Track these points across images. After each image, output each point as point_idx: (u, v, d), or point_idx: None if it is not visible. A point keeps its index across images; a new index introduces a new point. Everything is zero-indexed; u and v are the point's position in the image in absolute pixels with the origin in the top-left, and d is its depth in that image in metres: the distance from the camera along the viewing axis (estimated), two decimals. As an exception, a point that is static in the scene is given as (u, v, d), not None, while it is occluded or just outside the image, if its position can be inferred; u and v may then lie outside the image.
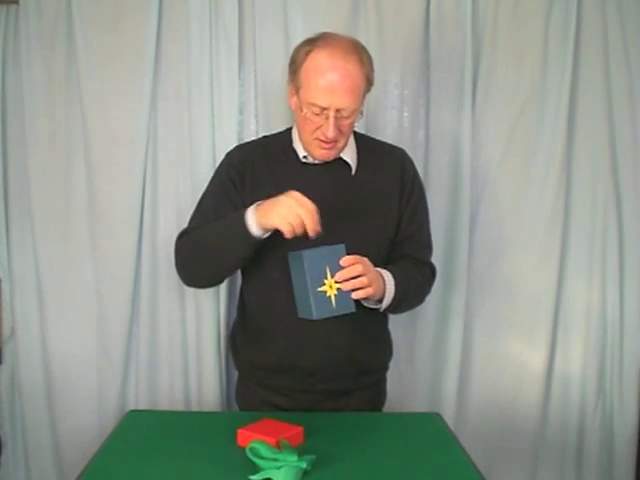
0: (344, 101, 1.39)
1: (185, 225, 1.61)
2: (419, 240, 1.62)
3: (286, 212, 1.30)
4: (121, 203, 1.99)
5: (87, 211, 2.03)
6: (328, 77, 1.39)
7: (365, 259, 1.37)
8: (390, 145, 1.68)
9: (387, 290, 1.43)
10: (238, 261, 1.48)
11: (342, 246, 1.34)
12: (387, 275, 1.45)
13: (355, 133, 1.60)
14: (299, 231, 1.31)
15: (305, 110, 1.43)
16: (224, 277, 1.59)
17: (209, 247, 1.44)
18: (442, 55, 1.97)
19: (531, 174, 2.04)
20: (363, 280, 1.34)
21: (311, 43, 1.44)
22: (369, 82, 1.46)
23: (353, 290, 1.33)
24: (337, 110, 1.40)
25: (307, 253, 1.30)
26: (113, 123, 1.98)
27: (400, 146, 1.69)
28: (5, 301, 2.09)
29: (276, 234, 1.38)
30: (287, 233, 1.31)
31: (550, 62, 2.00)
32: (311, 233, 1.31)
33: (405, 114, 2.03)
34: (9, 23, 1.99)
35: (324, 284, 1.30)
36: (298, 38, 1.96)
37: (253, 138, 1.92)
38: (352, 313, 1.35)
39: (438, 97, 2.00)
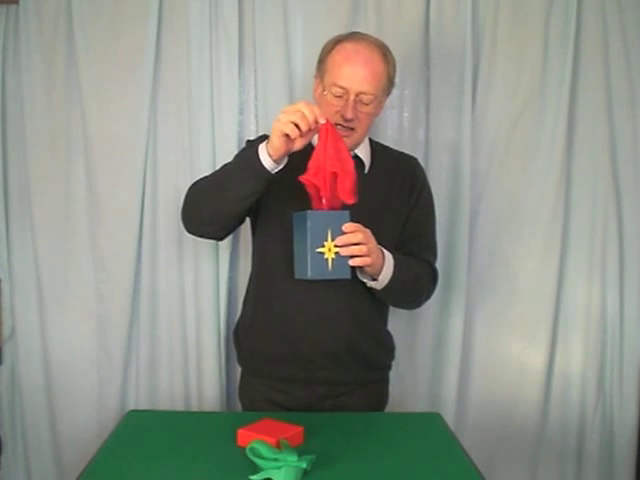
0: (364, 85, 1.46)
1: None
2: (423, 242, 1.64)
3: (284, 116, 1.31)
4: (121, 203, 2.00)
5: (87, 211, 2.03)
6: (352, 61, 1.46)
7: (367, 230, 1.39)
8: (404, 153, 1.72)
9: (385, 266, 1.45)
10: (243, 197, 1.40)
11: (347, 212, 1.36)
12: (388, 254, 1.47)
13: (370, 140, 1.64)
14: (304, 125, 1.30)
15: (327, 92, 1.48)
16: (225, 221, 1.48)
17: (217, 179, 1.45)
18: (442, 55, 1.98)
19: (531, 174, 2.04)
20: (362, 248, 1.36)
21: (341, 36, 1.53)
22: (390, 81, 1.53)
23: (351, 257, 1.35)
24: (357, 94, 1.46)
25: (311, 213, 1.33)
26: (113, 123, 1.98)
27: (406, 150, 1.73)
28: (5, 301, 2.09)
29: (283, 222, 1.41)
30: (292, 133, 1.29)
31: (550, 62, 2.00)
32: (312, 127, 1.31)
33: (405, 114, 2.03)
34: (9, 23, 2.00)
35: (323, 246, 1.32)
36: (298, 38, 1.99)
37: (253, 137, 1.93)
38: (350, 307, 1.37)
39: (438, 97, 2.00)
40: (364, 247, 1.36)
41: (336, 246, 1.33)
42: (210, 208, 1.45)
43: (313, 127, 1.32)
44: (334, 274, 1.34)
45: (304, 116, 1.30)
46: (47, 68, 1.99)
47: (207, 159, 1.97)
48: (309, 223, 1.31)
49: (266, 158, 1.34)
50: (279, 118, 1.32)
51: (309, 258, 1.31)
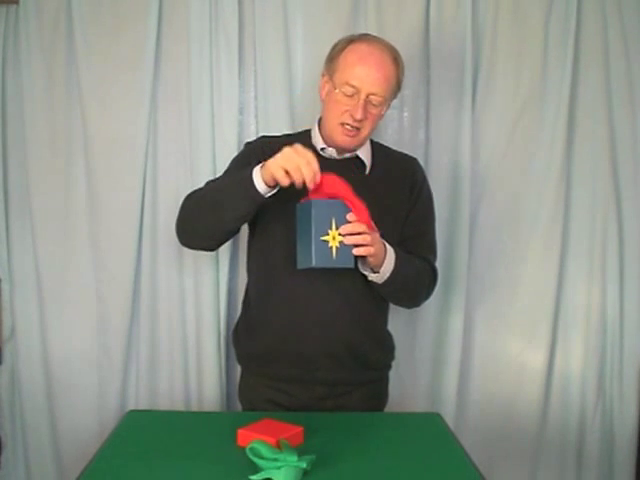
0: (375, 86, 1.46)
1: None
2: (423, 242, 1.65)
3: (283, 161, 1.31)
4: (121, 203, 2.00)
5: (87, 211, 2.03)
6: (365, 61, 1.47)
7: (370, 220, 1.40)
8: (404, 154, 1.72)
9: (387, 259, 1.45)
10: (237, 218, 1.44)
11: None
12: (389, 247, 1.47)
13: (371, 141, 1.64)
14: (297, 179, 1.30)
15: (337, 90, 1.48)
16: (219, 237, 1.52)
17: (212, 198, 1.45)
18: (442, 55, 1.98)
19: (531, 174, 2.04)
20: (366, 237, 1.36)
21: (353, 37, 1.54)
22: (398, 85, 1.54)
23: (355, 246, 1.36)
24: (367, 95, 1.46)
25: (316, 202, 1.33)
26: (113, 123, 1.98)
27: (408, 153, 1.73)
28: (5, 301, 2.09)
29: (286, 223, 1.42)
30: (282, 181, 1.31)
31: (550, 62, 2.00)
32: (309, 183, 1.31)
33: (405, 114, 2.03)
34: (9, 23, 2.00)
35: (328, 234, 1.33)
36: (298, 38, 1.99)
37: (253, 138, 1.93)
38: (350, 306, 1.39)
39: (438, 97, 2.00)
40: (368, 236, 1.36)
41: (340, 235, 1.34)
42: (205, 226, 1.47)
43: (310, 186, 1.32)
44: (338, 262, 1.34)
45: (298, 172, 1.30)
46: (47, 68, 1.98)
47: (207, 159, 1.97)
48: (314, 211, 1.32)
49: (260, 183, 1.35)
50: (277, 158, 1.32)
51: (313, 246, 1.32)
